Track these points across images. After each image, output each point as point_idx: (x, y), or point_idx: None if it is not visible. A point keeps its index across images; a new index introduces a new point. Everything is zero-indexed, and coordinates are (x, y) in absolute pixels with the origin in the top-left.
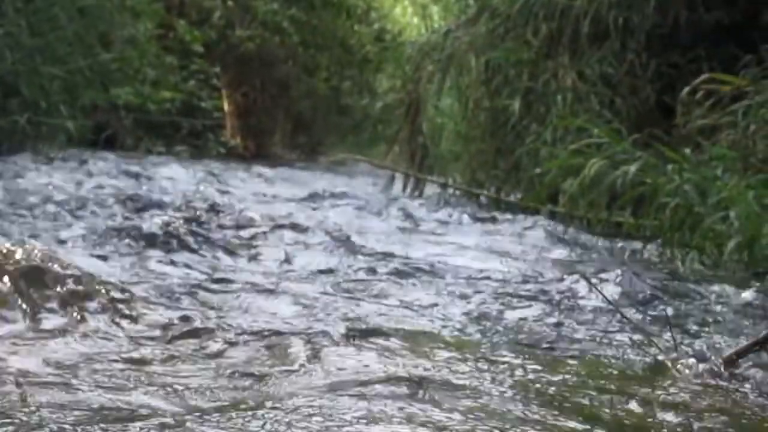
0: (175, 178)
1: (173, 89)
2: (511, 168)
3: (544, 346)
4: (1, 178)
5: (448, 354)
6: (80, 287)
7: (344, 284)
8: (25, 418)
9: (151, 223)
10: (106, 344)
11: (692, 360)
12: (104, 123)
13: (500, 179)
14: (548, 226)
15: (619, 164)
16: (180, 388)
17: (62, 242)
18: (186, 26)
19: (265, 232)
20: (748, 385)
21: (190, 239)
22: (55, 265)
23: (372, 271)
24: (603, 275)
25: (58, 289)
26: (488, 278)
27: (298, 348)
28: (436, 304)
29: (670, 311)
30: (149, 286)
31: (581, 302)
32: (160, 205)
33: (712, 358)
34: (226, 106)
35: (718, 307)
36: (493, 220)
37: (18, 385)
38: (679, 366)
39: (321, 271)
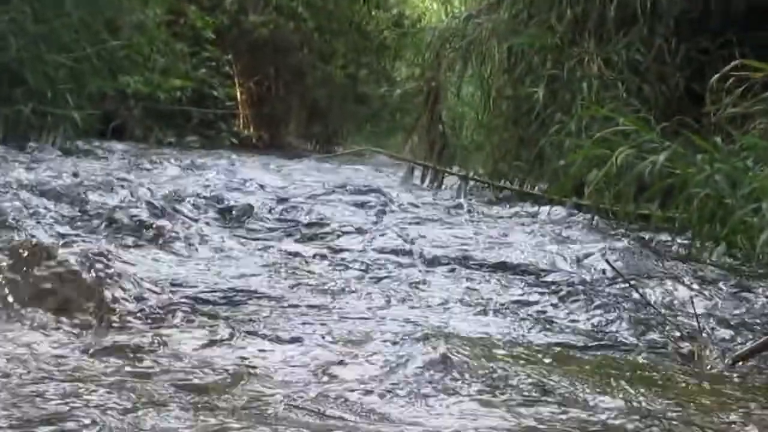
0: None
1: (184, 77)
2: (534, 159)
3: (569, 339)
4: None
5: (476, 351)
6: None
7: (378, 281)
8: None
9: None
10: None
11: (718, 355)
12: (112, 112)
13: (523, 170)
14: (573, 219)
15: (646, 154)
16: None
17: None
18: (197, 12)
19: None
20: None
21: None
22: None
23: (397, 265)
24: (628, 267)
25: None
26: (511, 272)
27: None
28: (460, 299)
29: (699, 307)
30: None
31: (605, 293)
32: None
33: (732, 354)
34: (238, 95)
35: (748, 302)
36: (516, 213)
37: None
38: (706, 362)
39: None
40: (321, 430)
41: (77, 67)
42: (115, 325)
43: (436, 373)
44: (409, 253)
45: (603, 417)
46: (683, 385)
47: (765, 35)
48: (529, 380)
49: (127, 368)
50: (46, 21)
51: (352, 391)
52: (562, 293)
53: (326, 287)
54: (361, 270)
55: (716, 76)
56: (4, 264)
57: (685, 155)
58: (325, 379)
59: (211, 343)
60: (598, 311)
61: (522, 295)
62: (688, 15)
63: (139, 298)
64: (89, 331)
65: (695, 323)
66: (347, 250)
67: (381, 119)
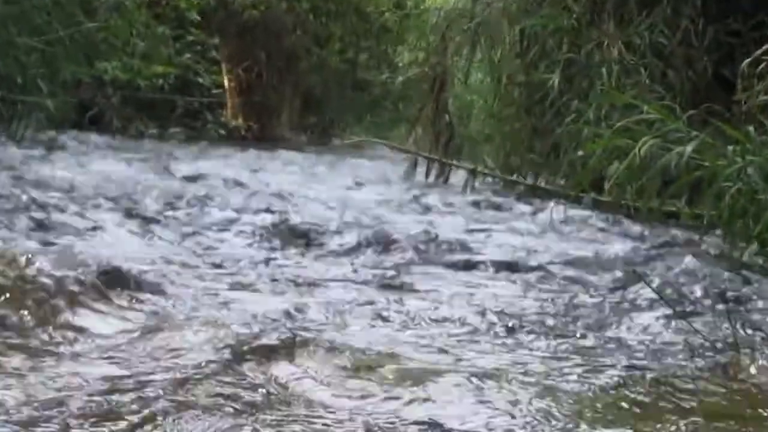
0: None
1: (166, 63)
2: (549, 151)
3: (593, 352)
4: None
5: (493, 356)
6: None
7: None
8: None
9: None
10: None
11: (757, 367)
12: (88, 101)
13: (537, 164)
14: (592, 216)
15: (672, 145)
16: None
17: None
18: None
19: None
20: None
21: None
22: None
23: (406, 267)
24: (654, 270)
25: None
26: (527, 275)
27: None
28: (473, 302)
29: (733, 314)
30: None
31: (630, 299)
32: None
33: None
34: (226, 83)
35: None
36: (530, 210)
37: None
38: (745, 375)
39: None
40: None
41: (50, 52)
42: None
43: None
44: (401, 255)
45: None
46: (720, 400)
47: None
48: (554, 402)
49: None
50: (16, 1)
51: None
52: (579, 302)
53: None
54: (339, 264)
55: (748, 60)
56: None
57: (714, 146)
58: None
59: None
60: (623, 320)
61: (536, 303)
62: None
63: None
64: None
65: (731, 332)
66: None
67: (382, 108)
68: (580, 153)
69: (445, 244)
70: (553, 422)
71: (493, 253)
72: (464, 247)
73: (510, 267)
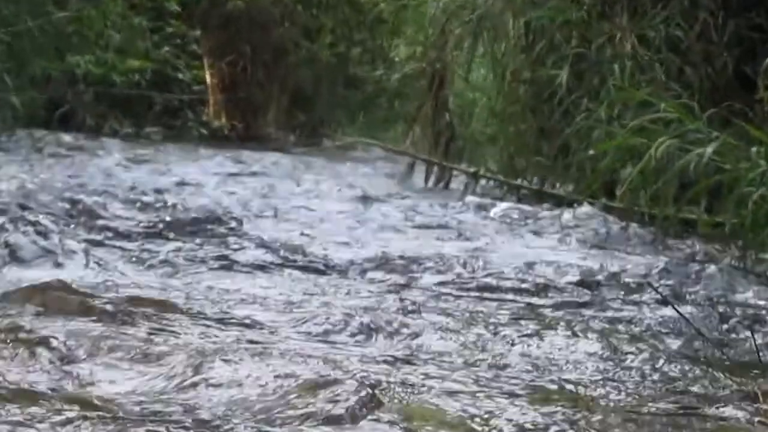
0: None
1: (143, 57)
2: (556, 153)
3: (612, 375)
4: None
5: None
6: None
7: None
8: None
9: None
10: None
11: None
12: (59, 98)
13: (544, 167)
14: (604, 223)
15: (690, 146)
16: None
17: None
18: None
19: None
20: None
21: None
22: None
23: (399, 286)
24: (671, 284)
25: None
26: (534, 288)
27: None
28: (479, 321)
29: (758, 334)
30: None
31: (645, 315)
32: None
33: None
34: (208, 78)
35: None
36: (536, 216)
37: None
38: (763, 393)
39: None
40: None
41: (17, 44)
42: None
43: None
44: (395, 269)
45: None
46: (746, 428)
47: None
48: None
49: None
50: None
51: None
52: (593, 319)
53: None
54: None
55: None
56: None
57: (735, 148)
58: None
59: None
60: (637, 338)
61: (548, 322)
62: None
63: None
64: None
65: (756, 355)
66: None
67: (376, 107)
68: (591, 153)
69: (446, 261)
70: None
71: (498, 268)
72: (467, 265)
73: (514, 281)
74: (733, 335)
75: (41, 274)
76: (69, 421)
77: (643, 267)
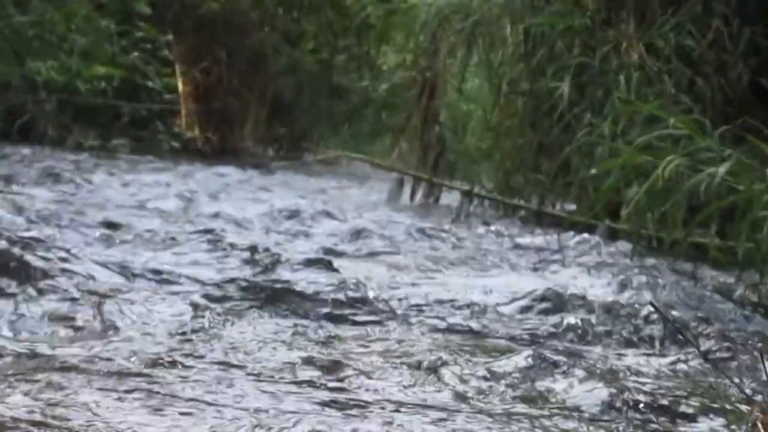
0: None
1: (110, 63)
2: (557, 170)
3: (608, 396)
4: None
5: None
6: None
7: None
8: None
9: None
10: None
11: None
12: (18, 107)
13: (543, 185)
14: (607, 247)
15: (701, 165)
16: None
17: None
18: None
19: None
20: None
21: None
22: None
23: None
24: (680, 311)
25: None
26: (533, 316)
27: None
28: (473, 353)
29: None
30: None
31: (652, 344)
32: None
33: None
34: (180, 87)
35: None
36: (534, 239)
37: None
38: None
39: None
40: None
41: None
42: None
43: None
44: (376, 306)
45: None
46: None
47: None
48: None
49: None
50: None
51: None
52: (597, 348)
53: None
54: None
55: None
56: None
57: (750, 168)
58: None
59: None
60: (645, 369)
61: (543, 355)
62: None
63: None
64: None
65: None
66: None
67: (362, 118)
68: (593, 172)
69: (438, 300)
70: None
71: (488, 289)
72: (458, 305)
73: (511, 311)
74: (744, 367)
75: None
76: None
77: (647, 291)
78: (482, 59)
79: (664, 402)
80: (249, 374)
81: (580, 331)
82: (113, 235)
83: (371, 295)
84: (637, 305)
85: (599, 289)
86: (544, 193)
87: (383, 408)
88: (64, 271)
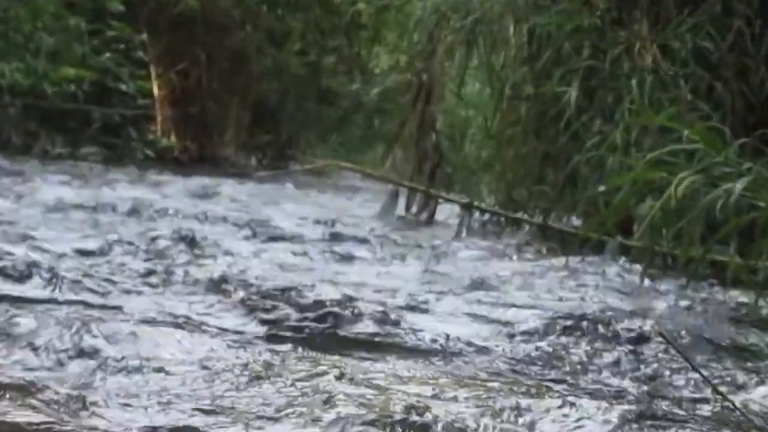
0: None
1: (80, 65)
2: (563, 183)
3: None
4: None
5: None
6: None
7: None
8: None
9: None
10: None
11: None
12: None
13: (548, 198)
14: (618, 266)
15: (719, 180)
16: None
17: None
18: None
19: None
20: None
21: None
22: None
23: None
24: (698, 344)
25: None
26: (540, 340)
27: None
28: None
29: None
30: None
31: (660, 373)
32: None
33: None
34: (155, 90)
35: None
36: (539, 256)
37: None
38: None
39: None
40: None
41: None
42: None
43: None
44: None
45: None
46: None
47: None
48: None
49: None
50: None
51: None
52: (600, 371)
53: None
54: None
55: None
56: None
57: None
58: None
59: None
60: (654, 402)
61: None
62: None
63: None
64: None
65: None
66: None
67: (352, 125)
68: (603, 187)
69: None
70: None
71: (492, 309)
72: (455, 306)
73: (515, 334)
74: (759, 393)
75: None
76: None
77: (660, 315)
78: (483, 61)
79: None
80: None
81: (584, 359)
82: None
83: (368, 328)
84: (647, 327)
85: (608, 312)
86: (550, 207)
87: None
88: None
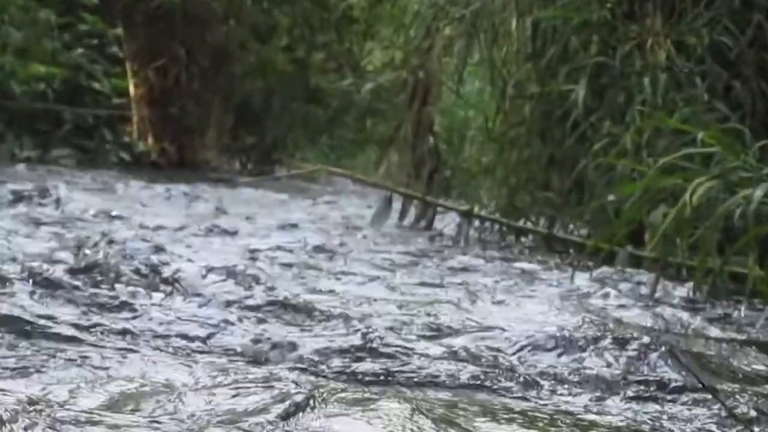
0: None
1: (50, 61)
2: (570, 188)
3: None
4: None
5: None
6: None
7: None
8: None
9: None
10: None
11: None
12: None
13: (554, 206)
14: (629, 278)
15: (737, 186)
16: None
17: None
18: None
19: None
20: None
21: None
22: None
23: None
24: (713, 365)
25: None
26: (544, 356)
27: None
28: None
29: None
30: None
31: (679, 407)
32: None
33: None
34: (132, 89)
35: None
36: (544, 268)
37: None
38: None
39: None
40: None
41: None
42: None
43: None
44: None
45: None
46: None
47: None
48: None
49: None
50: None
51: None
52: (609, 400)
53: None
54: None
55: None
56: None
57: None
58: None
59: None
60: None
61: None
62: None
63: None
64: None
65: None
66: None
67: (343, 126)
68: (613, 195)
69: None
70: None
71: (494, 324)
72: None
73: (521, 355)
74: None
75: None
76: None
77: (671, 326)
78: (483, 57)
79: None
80: None
81: (593, 380)
82: None
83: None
84: (660, 345)
85: (617, 330)
86: (555, 215)
87: None
88: None
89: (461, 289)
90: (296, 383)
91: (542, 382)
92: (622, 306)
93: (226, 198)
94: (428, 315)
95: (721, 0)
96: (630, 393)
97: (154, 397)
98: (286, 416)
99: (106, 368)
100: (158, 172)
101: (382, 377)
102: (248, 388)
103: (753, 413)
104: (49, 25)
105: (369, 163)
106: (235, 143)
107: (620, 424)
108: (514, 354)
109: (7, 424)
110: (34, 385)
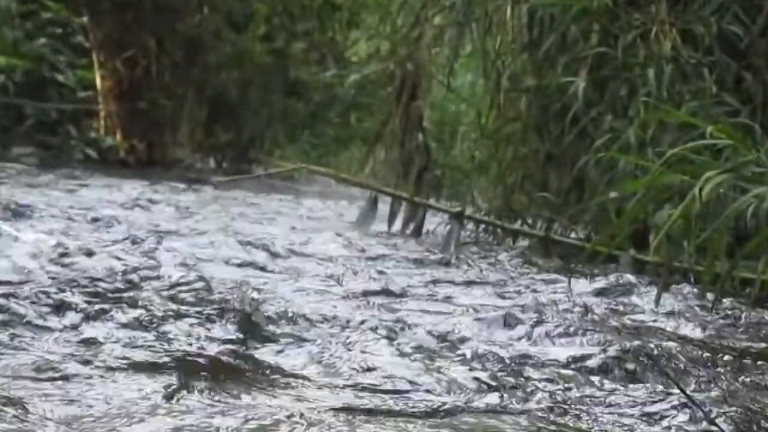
0: None
1: (10, 52)
2: (569, 187)
3: None
4: None
5: None
6: None
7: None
8: None
9: None
10: None
11: None
12: None
13: (552, 206)
14: (631, 283)
15: (748, 184)
16: None
17: None
18: None
19: None
20: None
21: None
22: None
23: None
24: (718, 386)
25: None
26: (543, 367)
27: None
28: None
29: None
30: None
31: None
32: None
33: None
34: (98, 82)
35: None
36: (541, 272)
37: None
38: None
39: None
40: None
41: None
42: None
43: None
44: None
45: None
46: None
47: None
48: None
49: None
50: None
51: None
52: (606, 417)
53: None
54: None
55: None
56: None
57: None
58: None
59: None
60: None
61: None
62: None
63: None
64: None
65: None
66: None
67: (325, 122)
68: (615, 193)
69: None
70: None
71: (492, 330)
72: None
73: (520, 365)
74: None
75: None
76: None
77: (677, 335)
78: (476, 48)
79: None
80: None
81: (585, 399)
82: None
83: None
84: (659, 358)
85: (617, 344)
86: (553, 216)
87: None
88: None
89: (451, 293)
90: None
91: (530, 397)
92: (622, 314)
93: (194, 200)
94: (415, 326)
95: None
96: (625, 412)
97: None
98: None
99: None
100: (126, 171)
101: None
102: None
103: (739, 426)
104: (10, 14)
105: (353, 161)
106: (210, 140)
107: None
108: (501, 371)
109: None
110: None
